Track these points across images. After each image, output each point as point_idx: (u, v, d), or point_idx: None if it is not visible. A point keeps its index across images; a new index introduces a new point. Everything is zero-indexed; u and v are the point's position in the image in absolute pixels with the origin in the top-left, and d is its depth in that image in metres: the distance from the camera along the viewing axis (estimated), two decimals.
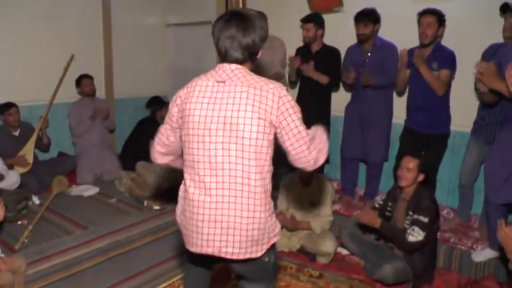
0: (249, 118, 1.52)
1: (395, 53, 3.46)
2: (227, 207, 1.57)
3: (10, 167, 3.91)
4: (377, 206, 3.07)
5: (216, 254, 1.62)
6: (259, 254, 1.63)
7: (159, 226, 3.51)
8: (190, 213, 1.62)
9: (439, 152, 3.41)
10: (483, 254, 2.90)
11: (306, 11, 4.03)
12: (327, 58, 3.74)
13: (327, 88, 3.79)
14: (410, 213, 2.71)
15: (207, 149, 1.56)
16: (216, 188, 1.57)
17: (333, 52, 3.78)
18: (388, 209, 2.94)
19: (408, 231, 2.64)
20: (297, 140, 1.57)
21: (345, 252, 3.18)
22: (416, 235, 2.61)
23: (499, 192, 2.73)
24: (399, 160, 2.88)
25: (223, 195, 1.57)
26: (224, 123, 1.54)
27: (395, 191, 2.92)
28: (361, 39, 3.52)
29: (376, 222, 2.79)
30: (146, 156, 4.26)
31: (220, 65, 1.63)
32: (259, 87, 1.55)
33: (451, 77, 3.23)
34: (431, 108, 3.26)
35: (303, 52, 3.86)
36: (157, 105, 4.75)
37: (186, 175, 1.65)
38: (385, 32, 3.54)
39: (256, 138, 1.53)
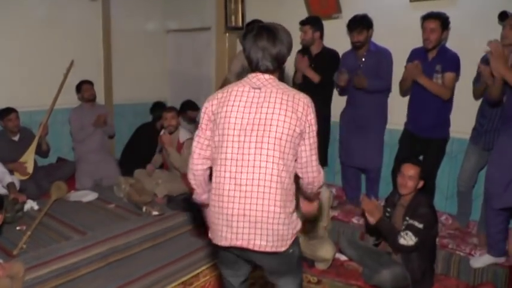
0: (282, 121, 1.66)
1: (390, 58, 3.48)
2: (255, 202, 1.66)
3: (10, 172, 3.91)
4: None
5: (245, 246, 1.70)
6: (283, 249, 1.72)
7: (157, 232, 3.51)
8: (220, 208, 1.71)
9: (437, 156, 3.41)
10: (482, 260, 2.90)
11: (305, 16, 4.06)
12: (326, 60, 3.75)
13: (327, 90, 3.78)
14: (407, 218, 2.71)
15: (241, 148, 1.67)
16: (246, 185, 1.67)
17: (332, 54, 3.80)
18: (387, 214, 2.94)
19: (402, 233, 2.65)
20: (310, 149, 1.73)
21: (343, 258, 3.19)
22: (408, 239, 2.62)
23: (499, 197, 2.74)
24: (399, 165, 2.88)
25: (252, 191, 1.66)
26: (259, 124, 1.67)
27: (394, 197, 2.93)
28: (356, 46, 3.54)
29: (376, 214, 2.75)
30: (145, 162, 4.36)
31: (254, 74, 1.75)
32: (292, 94, 1.71)
33: (456, 79, 3.22)
34: (432, 112, 3.27)
35: (303, 54, 3.88)
36: (160, 113, 4.73)
37: (215, 173, 1.73)
38: (383, 37, 3.57)
39: (286, 140, 1.66)
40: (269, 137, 1.66)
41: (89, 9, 4.96)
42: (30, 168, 4.10)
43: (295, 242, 1.79)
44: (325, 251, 3.04)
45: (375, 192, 3.76)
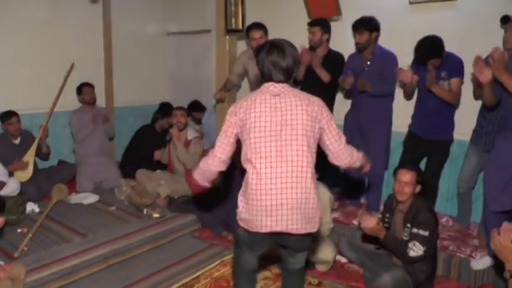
0: (305, 120, 1.97)
1: (395, 62, 3.47)
2: (290, 192, 1.94)
3: (10, 174, 3.92)
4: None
5: (284, 230, 1.97)
6: (314, 230, 2.04)
7: (158, 234, 3.51)
8: (259, 201, 1.95)
9: (441, 158, 3.42)
10: (482, 262, 2.90)
11: (305, 19, 4.07)
12: (332, 62, 3.75)
13: (328, 91, 3.78)
14: (408, 225, 2.68)
15: (274, 146, 1.94)
16: (281, 177, 1.93)
17: (338, 57, 3.80)
18: (386, 220, 2.92)
19: (409, 245, 2.60)
20: (335, 140, 2.07)
21: (344, 260, 3.18)
22: (417, 250, 2.59)
23: (497, 200, 2.73)
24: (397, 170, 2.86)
25: (286, 182, 1.93)
26: (286, 125, 1.96)
27: (392, 202, 2.88)
28: (358, 48, 3.54)
29: (381, 233, 2.73)
30: (145, 164, 4.37)
31: (270, 83, 2.03)
32: (306, 98, 2.02)
33: (462, 83, 3.22)
34: (438, 114, 3.28)
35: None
36: (164, 114, 4.76)
37: (252, 170, 1.98)
38: (383, 39, 3.56)
39: (310, 136, 1.98)
40: (297, 134, 1.95)
41: (90, 12, 4.97)
42: (30, 169, 4.10)
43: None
44: (326, 253, 3.03)
45: (375, 198, 3.73)
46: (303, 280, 2.37)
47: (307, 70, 3.76)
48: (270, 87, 2.02)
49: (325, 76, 3.69)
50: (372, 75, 3.47)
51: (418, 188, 2.73)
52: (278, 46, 2.03)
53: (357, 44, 3.50)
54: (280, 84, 2.02)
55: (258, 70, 2.08)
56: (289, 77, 2.04)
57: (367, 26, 3.40)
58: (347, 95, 3.96)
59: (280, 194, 1.94)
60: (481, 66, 2.62)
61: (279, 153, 1.95)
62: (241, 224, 2.07)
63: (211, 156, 2.09)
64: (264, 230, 1.98)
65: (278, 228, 1.96)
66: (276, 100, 2.00)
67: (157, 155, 4.47)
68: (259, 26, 3.85)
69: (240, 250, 2.21)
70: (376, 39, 3.48)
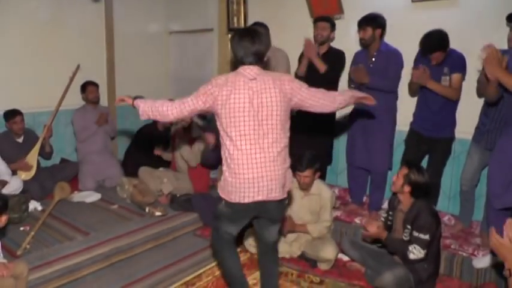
0: (279, 101, 2.18)
1: (399, 59, 3.45)
2: (268, 165, 2.19)
3: (13, 172, 3.93)
4: (382, 219, 3.01)
5: (265, 198, 2.22)
6: (286, 195, 2.32)
7: (160, 232, 3.52)
8: (242, 174, 2.18)
9: (442, 156, 3.41)
10: (484, 261, 2.89)
11: (307, 18, 4.07)
12: (333, 58, 3.74)
13: (328, 88, 3.75)
14: (408, 226, 2.68)
15: (252, 125, 2.16)
16: (260, 152, 2.18)
17: (339, 53, 3.79)
18: (389, 217, 2.93)
19: (410, 248, 2.61)
20: (310, 97, 2.28)
21: (345, 258, 3.18)
22: (417, 253, 2.59)
23: (501, 197, 2.74)
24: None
25: (264, 157, 2.18)
26: (262, 106, 2.16)
27: (395, 200, 2.89)
28: (361, 44, 3.53)
29: (382, 236, 2.77)
30: (148, 162, 4.37)
31: (245, 67, 2.22)
32: (278, 79, 2.23)
33: (463, 79, 3.22)
34: (439, 111, 3.28)
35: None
36: None
37: (232, 147, 2.19)
38: (385, 38, 3.55)
39: (283, 115, 2.21)
40: (272, 114, 2.17)
41: (92, 11, 4.98)
42: (33, 168, 4.12)
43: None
44: (328, 251, 3.04)
45: (378, 197, 3.72)
46: (278, 254, 2.59)
47: (309, 70, 3.77)
48: (246, 70, 2.20)
49: (321, 67, 3.66)
50: (376, 72, 3.44)
51: (407, 189, 2.70)
52: (250, 31, 2.26)
53: (360, 40, 3.50)
54: (255, 67, 2.21)
55: (233, 54, 2.28)
56: (259, 60, 2.24)
57: (370, 22, 3.39)
58: (355, 88, 3.92)
59: (260, 167, 2.18)
60: (491, 64, 2.61)
61: (257, 131, 2.17)
62: (224, 196, 2.27)
63: (177, 105, 2.24)
64: (247, 200, 2.20)
65: (260, 198, 2.21)
66: (252, 84, 2.18)
67: (157, 151, 4.48)
68: (260, 25, 3.84)
69: (220, 223, 2.37)
70: (381, 36, 3.46)
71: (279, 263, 2.60)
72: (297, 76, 3.96)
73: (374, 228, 2.78)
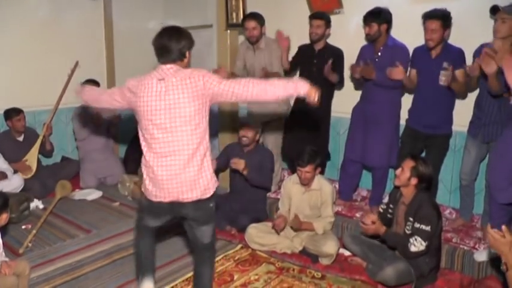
0: (189, 101, 2.12)
1: (405, 53, 3.41)
2: (179, 168, 2.17)
3: (14, 171, 3.94)
4: (381, 210, 3.03)
5: (176, 199, 2.21)
6: (203, 196, 2.23)
7: (161, 229, 3.51)
8: (154, 176, 2.20)
9: (440, 152, 3.39)
10: (485, 254, 2.89)
11: (306, 12, 4.04)
12: (330, 57, 3.70)
13: (325, 86, 3.74)
14: (411, 219, 2.69)
15: (163, 129, 2.14)
16: (171, 155, 2.17)
17: (337, 52, 3.77)
18: (390, 211, 2.93)
19: (411, 240, 2.61)
20: (227, 91, 2.16)
21: (347, 253, 3.19)
22: (418, 245, 2.60)
23: (504, 192, 2.74)
24: (399, 162, 2.88)
25: (175, 159, 2.16)
26: (170, 108, 2.12)
27: (396, 193, 2.90)
28: (367, 39, 3.51)
29: (381, 231, 2.77)
30: None
31: (159, 67, 2.19)
32: (188, 76, 2.15)
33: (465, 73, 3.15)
34: (436, 109, 3.25)
35: (306, 50, 3.85)
36: None
37: (146, 149, 2.23)
38: None
39: (196, 114, 2.14)
40: (181, 116, 2.12)
41: (91, 9, 4.98)
42: (33, 166, 4.12)
43: (212, 199, 2.30)
44: (329, 246, 3.04)
45: (379, 192, 3.70)
46: (212, 256, 2.50)
47: (304, 67, 3.78)
48: (158, 70, 2.19)
49: (333, 78, 3.67)
50: (382, 66, 3.42)
51: (414, 181, 2.72)
52: (168, 30, 2.23)
53: (366, 35, 3.48)
54: (167, 67, 2.17)
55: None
56: (177, 59, 2.19)
57: (376, 18, 3.36)
58: (357, 86, 3.91)
59: (171, 170, 2.17)
60: (488, 58, 2.67)
61: (168, 134, 2.14)
62: (143, 190, 2.33)
63: (109, 94, 2.38)
64: (156, 199, 2.24)
65: (168, 199, 2.22)
66: (161, 85, 2.14)
67: None
68: (253, 16, 3.83)
69: (142, 214, 2.45)
70: (387, 30, 3.43)
71: (212, 265, 2.52)
72: (286, 73, 3.97)
73: (369, 221, 2.78)
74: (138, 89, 2.18)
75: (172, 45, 2.17)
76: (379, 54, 3.47)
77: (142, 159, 2.28)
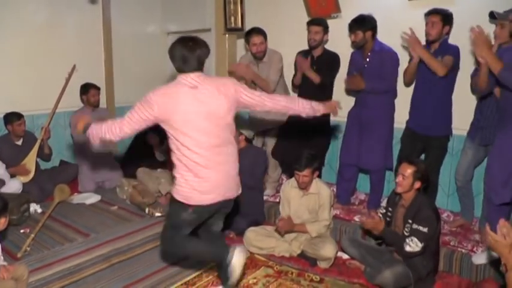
0: (226, 106, 2.29)
1: (394, 58, 3.47)
2: (224, 169, 2.35)
3: (12, 175, 3.94)
4: (380, 214, 3.02)
5: (224, 198, 2.39)
6: (240, 192, 2.52)
7: (160, 233, 3.51)
8: (203, 181, 2.30)
9: (438, 154, 3.41)
10: (483, 257, 2.90)
11: (304, 17, 4.07)
12: (328, 62, 3.75)
13: (324, 93, 3.77)
14: (410, 221, 2.70)
15: (206, 134, 2.26)
16: (216, 159, 2.31)
17: (333, 57, 3.81)
18: (389, 214, 2.94)
19: (407, 240, 2.62)
20: (253, 101, 2.41)
21: (345, 256, 3.19)
22: (413, 246, 2.60)
23: (498, 193, 2.76)
24: (398, 165, 2.89)
25: (220, 162, 2.33)
26: (210, 113, 2.26)
27: (395, 196, 2.91)
28: (354, 47, 3.58)
29: (380, 226, 2.78)
30: (147, 163, 4.38)
31: (185, 75, 2.28)
32: (221, 84, 2.33)
33: (455, 67, 3.19)
34: (432, 109, 3.28)
35: (305, 56, 3.89)
36: None
37: (192, 155, 2.26)
38: (382, 36, 3.55)
39: (230, 118, 2.35)
40: (220, 118, 2.28)
41: (89, 13, 4.99)
42: (31, 170, 4.12)
43: None
44: (327, 249, 3.04)
45: (376, 196, 3.72)
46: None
47: (303, 75, 3.81)
48: (184, 79, 2.26)
49: (315, 78, 3.70)
50: (371, 72, 3.47)
51: (418, 185, 2.73)
52: (191, 39, 2.31)
53: (352, 42, 3.54)
54: (195, 74, 2.27)
55: (173, 64, 2.33)
56: (202, 67, 2.30)
57: (360, 26, 3.42)
58: (350, 92, 3.94)
59: (219, 172, 2.32)
60: (480, 40, 2.65)
61: (211, 139, 2.27)
62: (183, 199, 2.33)
63: (117, 127, 2.32)
64: (207, 203, 2.33)
65: (219, 199, 2.36)
66: (195, 92, 2.24)
67: (152, 139, 4.55)
68: (259, 31, 3.83)
69: (178, 231, 2.44)
70: (373, 36, 3.47)
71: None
72: (293, 85, 4.01)
73: (371, 224, 2.80)
74: (169, 101, 2.23)
75: (198, 54, 2.27)
76: (368, 60, 3.52)
77: (182, 168, 2.32)
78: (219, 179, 2.34)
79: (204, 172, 2.30)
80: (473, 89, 3.21)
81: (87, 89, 4.49)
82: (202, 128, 2.26)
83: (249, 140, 3.80)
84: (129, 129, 2.33)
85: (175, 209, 2.41)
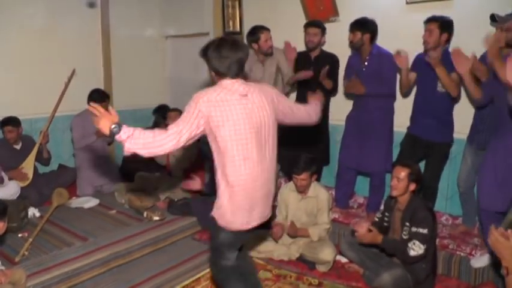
0: (271, 115, 2.10)
1: (393, 61, 3.48)
2: (266, 187, 2.13)
3: (10, 180, 3.93)
4: (377, 219, 3.03)
5: (264, 219, 2.20)
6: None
7: (158, 237, 3.51)
8: (244, 201, 2.08)
9: (439, 160, 3.40)
10: (482, 260, 2.90)
11: (303, 21, 4.08)
12: (326, 64, 3.75)
13: (326, 94, 3.78)
14: (407, 224, 2.69)
15: (255, 147, 2.04)
16: (261, 176, 2.09)
17: (332, 58, 3.82)
18: (386, 219, 2.93)
19: (409, 245, 2.61)
20: (295, 107, 2.30)
21: (344, 260, 3.19)
22: (417, 249, 2.59)
23: (491, 200, 2.75)
24: (391, 169, 2.88)
25: (263, 180, 2.11)
26: (260, 125, 2.06)
27: (390, 201, 2.91)
28: (351, 47, 3.60)
29: (378, 239, 2.76)
30: (145, 167, 4.37)
31: (232, 81, 2.05)
32: (263, 91, 2.12)
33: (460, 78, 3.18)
34: (434, 115, 3.27)
35: (302, 58, 3.90)
36: (165, 117, 4.74)
37: (238, 171, 2.03)
38: (379, 39, 3.57)
39: (275, 128, 2.15)
40: (270, 130, 2.09)
41: (88, 17, 4.99)
42: (29, 174, 4.11)
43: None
44: (326, 253, 3.05)
45: (376, 199, 3.70)
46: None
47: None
48: (231, 85, 2.04)
49: (328, 84, 3.72)
50: (370, 76, 3.48)
51: (413, 187, 2.73)
52: (238, 42, 2.09)
53: (349, 42, 3.56)
54: (241, 81, 2.07)
55: (211, 68, 2.10)
56: (240, 72, 2.07)
57: (360, 27, 3.44)
58: (348, 96, 3.95)
59: (261, 190, 2.11)
60: (459, 57, 2.77)
61: (259, 152, 2.06)
62: (224, 224, 2.11)
63: (173, 142, 1.92)
64: (247, 227, 2.13)
65: (259, 221, 2.16)
66: (246, 101, 2.04)
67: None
68: (265, 27, 3.83)
69: (223, 254, 2.21)
70: (371, 40, 3.48)
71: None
72: (288, 84, 4.03)
73: (364, 229, 2.77)
74: (218, 109, 1.97)
75: (241, 55, 2.05)
76: (366, 63, 3.54)
77: (230, 182, 2.05)
78: (262, 197, 2.15)
79: (245, 193, 2.08)
80: (473, 101, 3.20)
81: (103, 96, 4.39)
82: (256, 140, 2.05)
83: None
84: (184, 142, 1.98)
85: (218, 233, 2.19)
